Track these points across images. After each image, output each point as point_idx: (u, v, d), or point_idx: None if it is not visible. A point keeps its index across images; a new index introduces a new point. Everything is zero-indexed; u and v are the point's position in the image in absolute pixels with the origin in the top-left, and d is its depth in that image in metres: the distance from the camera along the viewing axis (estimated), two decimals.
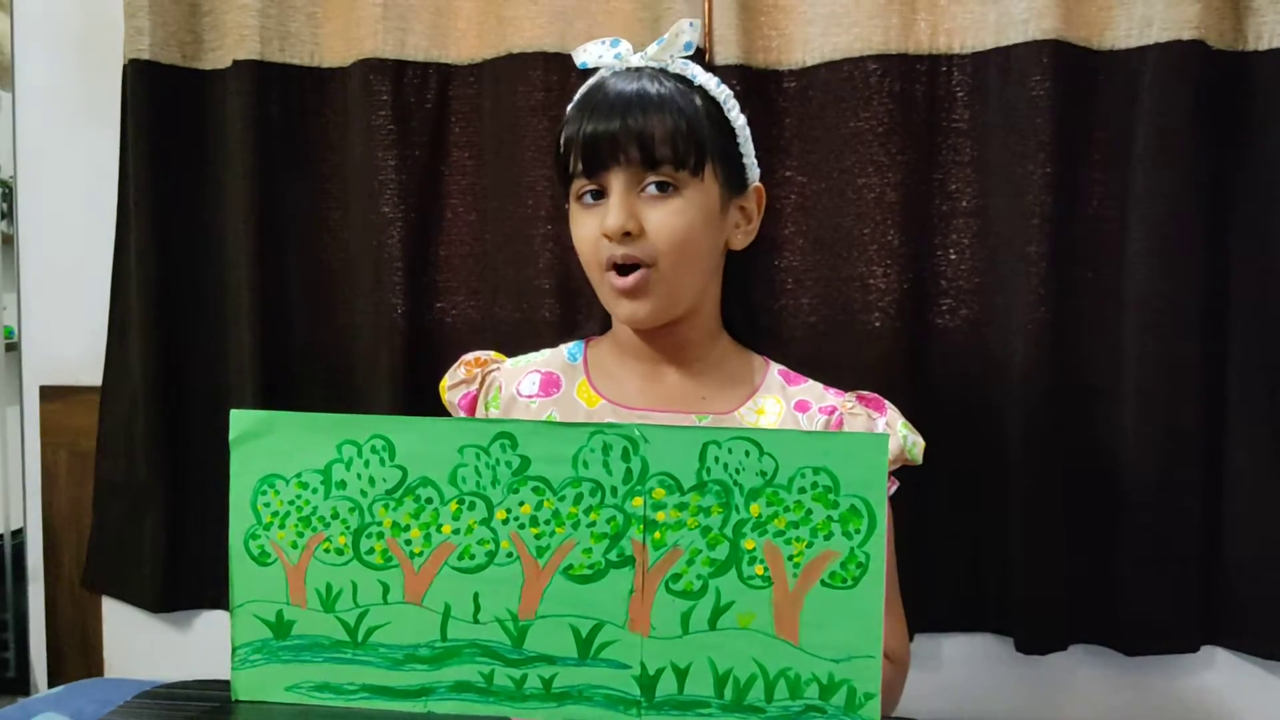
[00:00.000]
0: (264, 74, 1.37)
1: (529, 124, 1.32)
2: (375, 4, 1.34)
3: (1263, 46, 1.22)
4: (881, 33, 1.26)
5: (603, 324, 1.03)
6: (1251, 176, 1.24)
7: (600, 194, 0.90)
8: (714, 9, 1.29)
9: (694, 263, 0.91)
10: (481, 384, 1.01)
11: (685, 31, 0.93)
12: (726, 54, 1.28)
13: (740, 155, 0.95)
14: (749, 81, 1.29)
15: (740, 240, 0.96)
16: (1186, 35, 1.19)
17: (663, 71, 0.92)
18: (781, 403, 0.97)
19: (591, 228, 0.90)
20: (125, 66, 1.40)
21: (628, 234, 0.87)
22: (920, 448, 0.96)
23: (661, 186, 0.88)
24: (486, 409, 1.00)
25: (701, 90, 0.92)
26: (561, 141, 0.92)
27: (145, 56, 1.38)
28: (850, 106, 1.28)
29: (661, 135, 0.87)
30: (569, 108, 0.94)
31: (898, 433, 0.95)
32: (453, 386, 1.02)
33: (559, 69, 1.32)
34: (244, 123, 1.36)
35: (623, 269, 0.89)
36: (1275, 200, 1.23)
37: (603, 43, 0.94)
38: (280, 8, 1.38)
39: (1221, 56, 1.22)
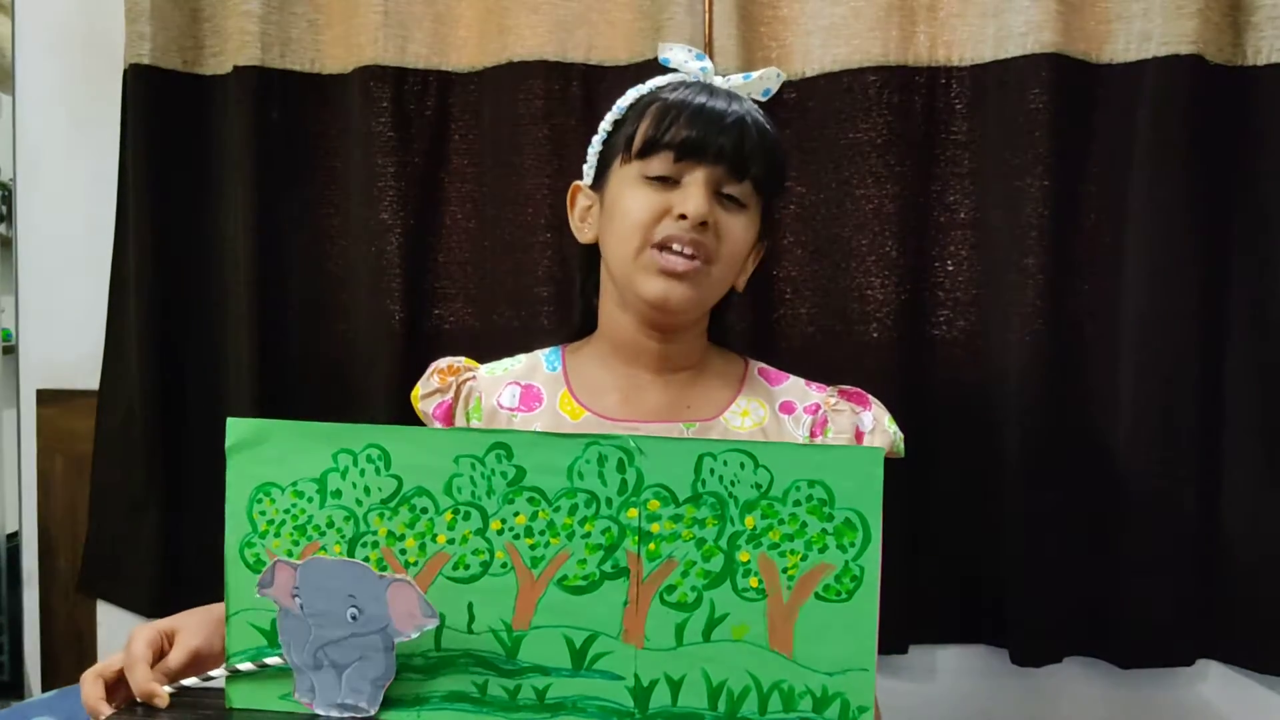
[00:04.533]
0: (265, 80, 1.37)
1: (529, 132, 1.32)
2: (376, 11, 1.34)
3: (1261, 61, 1.22)
4: (881, 45, 1.26)
5: (578, 329, 1.04)
6: (1249, 190, 1.24)
7: (666, 180, 0.91)
8: (714, 19, 1.29)
9: (731, 276, 0.95)
10: (457, 394, 1.01)
11: (772, 80, 0.98)
12: (726, 64, 1.28)
13: (778, 186, 0.99)
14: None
15: (742, 281, 0.99)
16: (1185, 50, 1.19)
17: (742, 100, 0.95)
18: (765, 405, 0.98)
19: (652, 204, 0.90)
20: (126, 71, 1.40)
21: (703, 223, 0.89)
22: (901, 439, 0.99)
23: (729, 199, 0.92)
24: (469, 419, 1.00)
25: (772, 125, 0.96)
26: (637, 118, 0.93)
27: (146, 61, 1.38)
28: (849, 118, 1.28)
29: (759, 156, 0.91)
30: (645, 91, 0.95)
31: (886, 428, 0.97)
32: (426, 396, 1.02)
33: (559, 77, 1.32)
34: (244, 128, 1.36)
35: (677, 250, 0.90)
36: (1273, 213, 1.23)
37: (689, 50, 0.98)
38: (281, 14, 1.38)
39: (1220, 71, 1.22)
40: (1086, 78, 1.24)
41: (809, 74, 1.30)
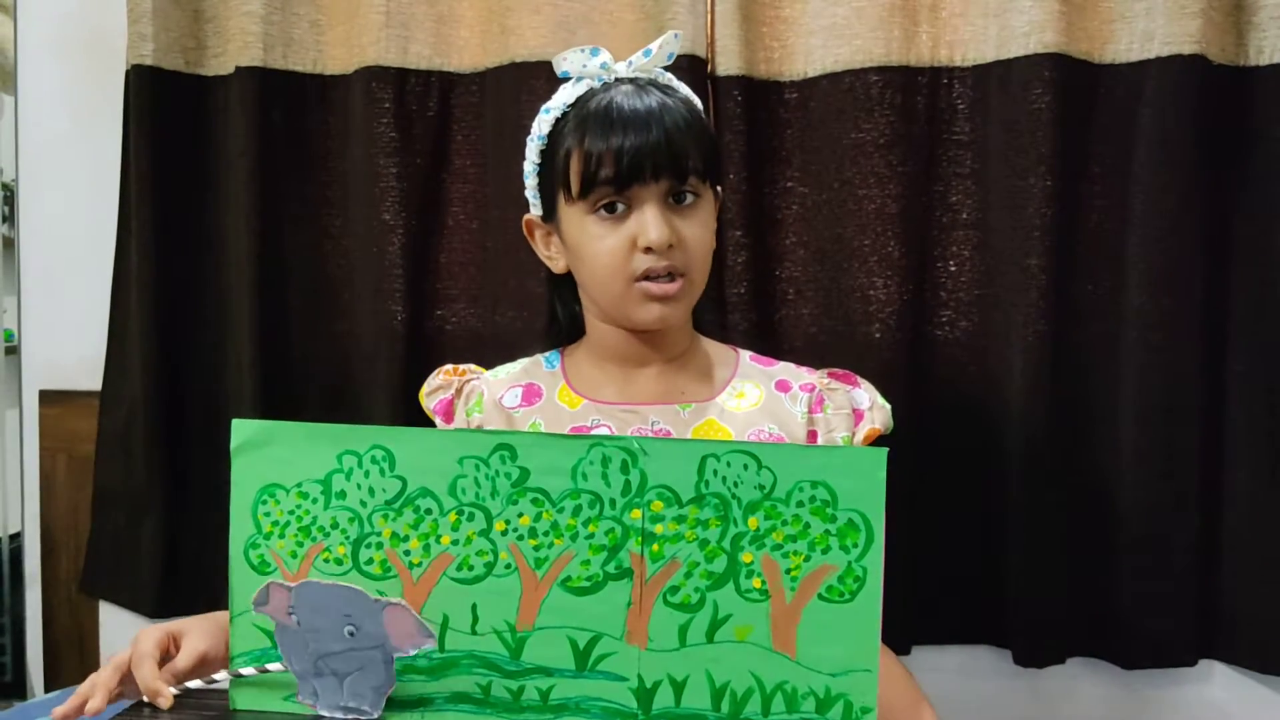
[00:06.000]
0: (266, 80, 1.37)
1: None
2: (378, 12, 1.34)
3: (1263, 61, 1.22)
4: (883, 45, 1.26)
5: (566, 337, 1.04)
6: (1252, 190, 1.24)
7: (614, 207, 0.90)
8: (716, 20, 1.29)
9: (707, 268, 0.95)
10: (459, 391, 1.03)
11: (670, 43, 0.94)
12: (728, 65, 1.28)
13: (718, 158, 0.98)
14: (751, 92, 1.29)
15: (713, 241, 0.98)
16: (1187, 50, 1.19)
17: (653, 82, 0.93)
18: (761, 386, 0.99)
19: (618, 241, 0.90)
20: (128, 71, 1.40)
21: (670, 245, 0.89)
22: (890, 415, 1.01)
23: (681, 197, 0.91)
24: (469, 414, 1.01)
25: (687, 100, 0.94)
26: (564, 152, 0.91)
27: (148, 62, 1.38)
28: (851, 118, 1.28)
29: (694, 148, 0.89)
30: (553, 116, 0.93)
31: (882, 404, 1.00)
32: (430, 393, 1.04)
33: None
34: (246, 129, 1.36)
35: (658, 277, 0.90)
36: (1275, 214, 1.23)
37: (582, 51, 0.94)
38: (283, 14, 1.38)
39: (1222, 71, 1.22)
40: (1089, 78, 1.24)
41: (811, 74, 1.30)
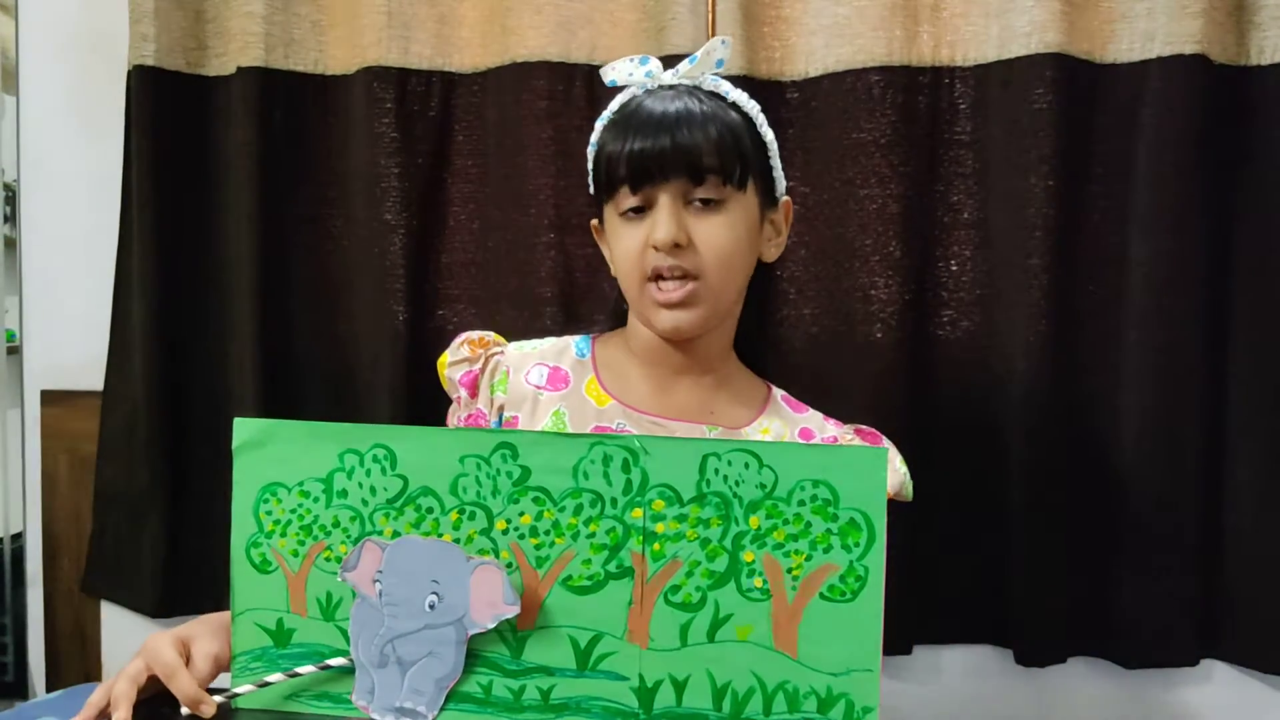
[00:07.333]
0: (268, 81, 1.37)
1: (532, 132, 1.33)
2: (380, 12, 1.34)
3: (1265, 61, 1.23)
4: (884, 44, 1.26)
5: (612, 322, 1.04)
6: (1253, 190, 1.24)
7: (641, 209, 0.90)
8: (717, 20, 1.29)
9: (735, 275, 0.94)
10: (484, 365, 1.01)
11: (717, 49, 0.94)
12: (729, 64, 1.28)
13: (772, 169, 0.97)
14: (752, 92, 1.27)
15: (772, 252, 0.98)
16: (1189, 49, 1.19)
17: (697, 89, 0.93)
18: (786, 428, 0.98)
19: (636, 241, 0.90)
20: (129, 72, 1.40)
21: (677, 245, 0.88)
22: (910, 483, 0.97)
23: (706, 201, 0.90)
24: (492, 392, 1.00)
25: (735, 106, 0.94)
26: (599, 157, 0.93)
27: (149, 63, 1.38)
28: (853, 118, 1.28)
29: (708, 149, 0.88)
30: (601, 124, 0.95)
31: (897, 469, 0.96)
32: (454, 363, 1.02)
33: (562, 78, 1.32)
34: (247, 129, 1.36)
35: (667, 278, 0.90)
36: (1276, 213, 1.23)
37: (631, 60, 0.95)
38: (285, 15, 1.38)
39: (1224, 71, 1.22)
40: (1090, 77, 1.25)
41: (812, 74, 1.30)
